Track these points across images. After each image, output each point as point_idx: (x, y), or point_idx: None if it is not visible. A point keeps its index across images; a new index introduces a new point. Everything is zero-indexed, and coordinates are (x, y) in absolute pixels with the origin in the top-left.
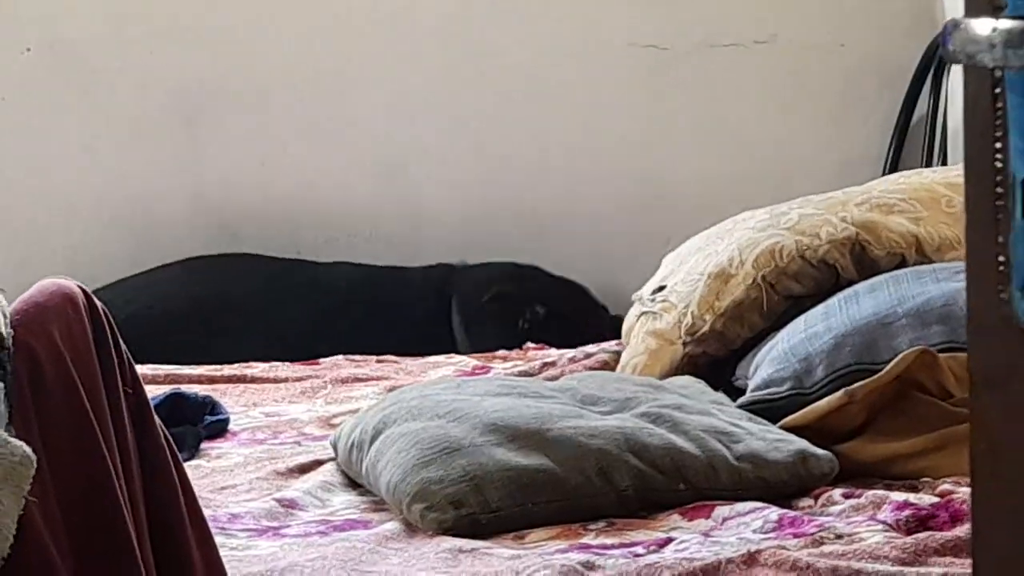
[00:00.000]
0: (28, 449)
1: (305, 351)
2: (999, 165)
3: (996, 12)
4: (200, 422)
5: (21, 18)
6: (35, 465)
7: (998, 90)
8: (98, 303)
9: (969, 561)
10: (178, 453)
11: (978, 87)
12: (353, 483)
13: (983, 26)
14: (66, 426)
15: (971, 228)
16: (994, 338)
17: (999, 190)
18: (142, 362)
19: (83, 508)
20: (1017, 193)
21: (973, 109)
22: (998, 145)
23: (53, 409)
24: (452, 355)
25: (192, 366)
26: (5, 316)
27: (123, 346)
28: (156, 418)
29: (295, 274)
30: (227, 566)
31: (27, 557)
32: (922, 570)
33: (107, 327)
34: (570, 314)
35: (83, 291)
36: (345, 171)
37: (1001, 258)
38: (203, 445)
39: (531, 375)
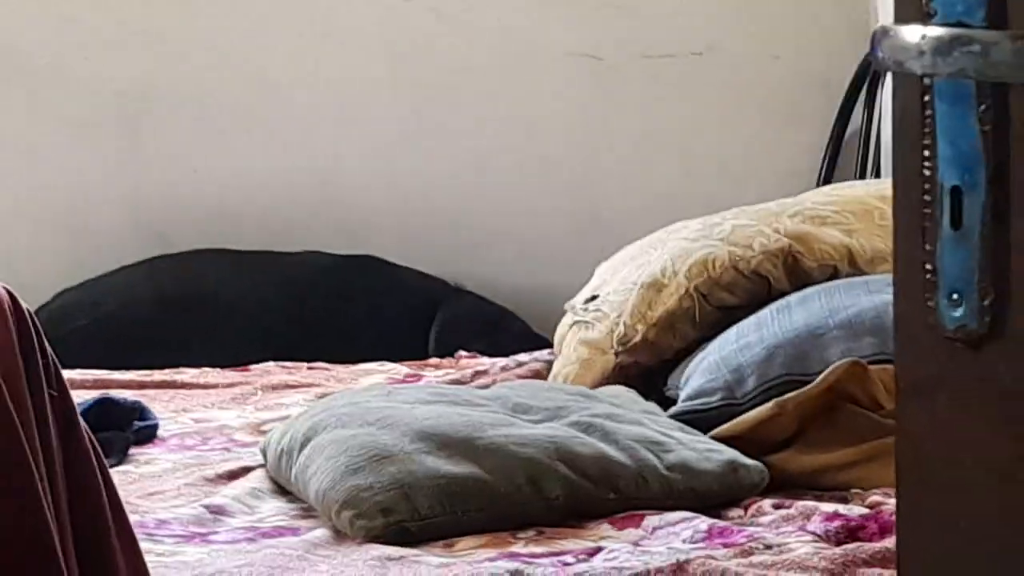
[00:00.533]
0: None
1: (281, 340)
2: (927, 173)
3: (925, 19)
4: (129, 427)
5: None
6: None
7: (927, 98)
8: (23, 304)
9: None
10: (104, 458)
11: (907, 95)
12: (282, 490)
13: (912, 33)
14: None
15: (899, 236)
16: (921, 347)
17: (927, 198)
18: (116, 364)
19: (5, 512)
20: (945, 202)
21: (902, 117)
22: (926, 153)
23: None
24: (384, 362)
25: (155, 370)
26: None
27: (48, 349)
28: (82, 422)
29: (264, 264)
30: (153, 572)
31: None
32: None
33: (32, 329)
34: None
35: (8, 292)
36: (281, 176)
37: (928, 266)
38: (132, 451)
39: (463, 383)
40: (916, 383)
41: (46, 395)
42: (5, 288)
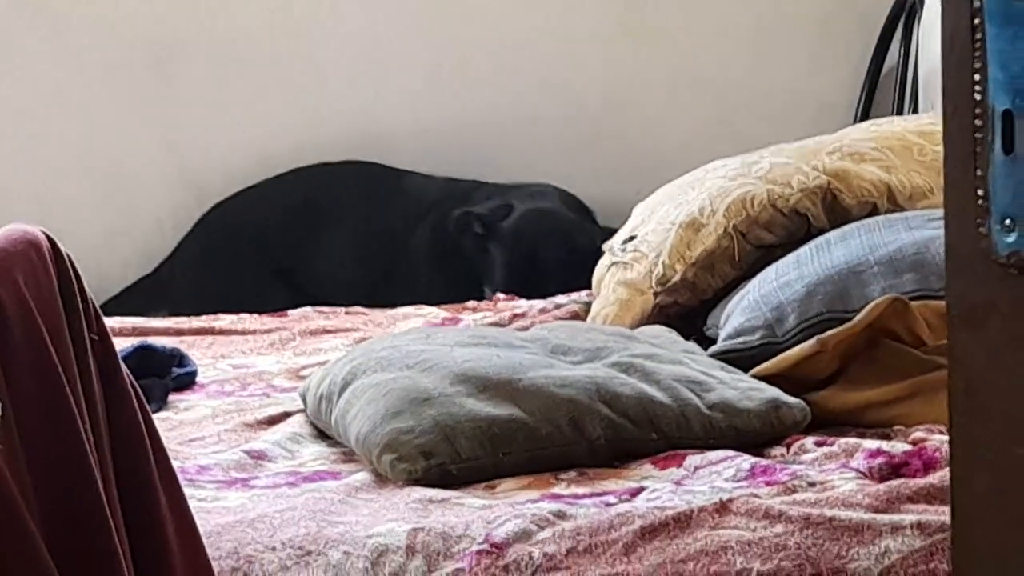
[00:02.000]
0: None
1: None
2: (978, 97)
3: None
4: (168, 374)
5: None
6: (1, 414)
7: (977, 20)
8: (63, 249)
9: (943, 508)
10: (146, 403)
11: (957, 18)
12: (322, 434)
13: None
14: (32, 375)
15: (949, 162)
16: (973, 274)
17: (978, 123)
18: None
19: (50, 459)
20: (996, 126)
21: (951, 41)
22: (977, 77)
23: (18, 359)
24: (421, 306)
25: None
26: None
27: (89, 294)
28: (124, 368)
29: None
30: (195, 518)
31: None
32: (895, 517)
33: (72, 275)
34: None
35: (48, 237)
36: (314, 124)
37: (980, 192)
38: (171, 397)
39: (501, 325)
40: (968, 311)
41: (87, 341)
42: (44, 233)
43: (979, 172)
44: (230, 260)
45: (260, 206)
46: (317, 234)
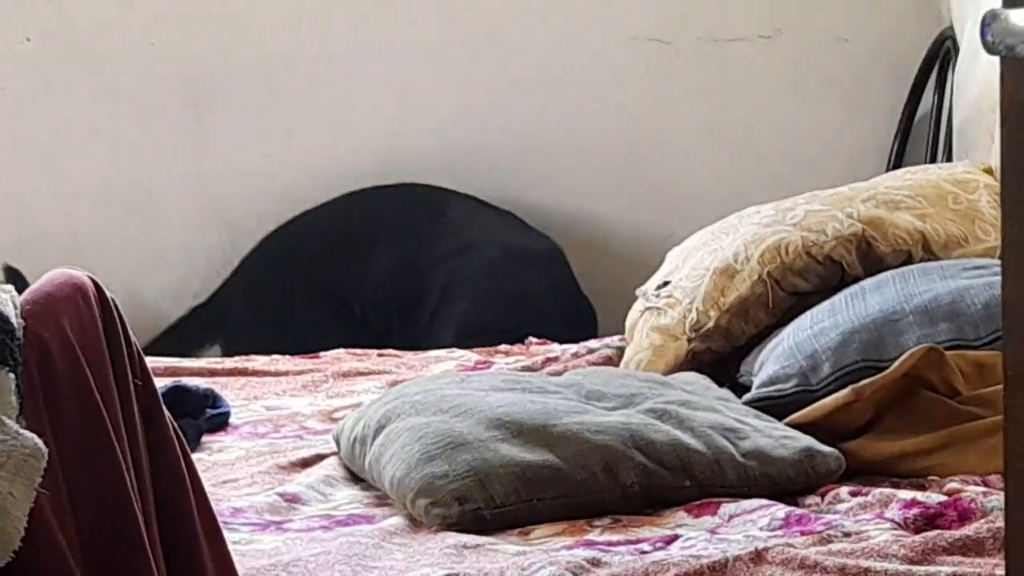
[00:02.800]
0: (39, 441)
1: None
2: None
3: None
4: (201, 415)
5: (24, 3)
6: (46, 458)
7: None
8: (108, 293)
9: (979, 560)
10: (187, 445)
11: (1016, 80)
12: (356, 478)
13: (1023, 17)
14: (76, 418)
15: (1007, 222)
16: None
17: None
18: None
19: (93, 501)
20: None
21: (1011, 102)
22: None
23: (64, 401)
24: (454, 349)
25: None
26: (16, 307)
27: (132, 337)
28: (165, 410)
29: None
30: None
31: (38, 550)
32: (931, 569)
33: (116, 317)
34: None
35: (93, 281)
36: (349, 161)
37: None
38: (204, 438)
39: (533, 370)
40: None
41: (131, 384)
42: (90, 277)
43: None
44: (284, 287)
45: (312, 231)
46: (367, 259)
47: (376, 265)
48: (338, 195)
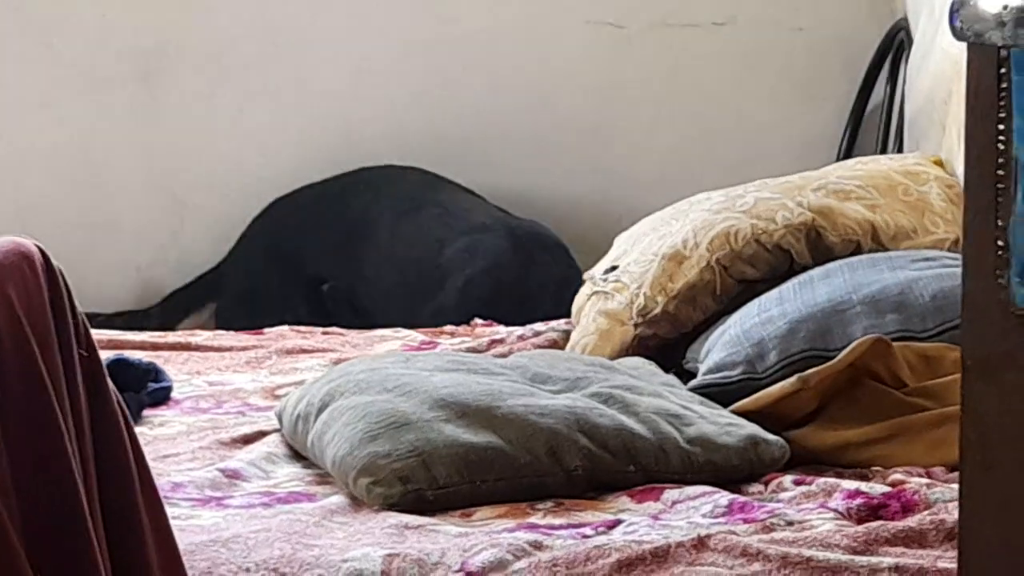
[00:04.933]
0: None
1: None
2: (1001, 147)
3: None
4: (143, 389)
5: None
6: None
7: (1003, 70)
8: (54, 262)
9: (921, 551)
10: (130, 419)
11: (982, 66)
12: (298, 455)
13: (992, 4)
14: (20, 387)
15: (970, 211)
16: (990, 324)
17: (1000, 173)
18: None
19: (35, 472)
20: (1019, 177)
21: (976, 89)
22: (1001, 127)
23: (7, 369)
24: (399, 329)
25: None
26: None
27: (78, 307)
28: (110, 382)
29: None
30: None
31: None
32: (873, 559)
33: (63, 287)
34: None
35: (40, 250)
36: (299, 138)
37: (1000, 243)
38: (145, 412)
39: (479, 351)
40: (983, 361)
41: (76, 355)
42: (37, 246)
43: (1000, 223)
44: (275, 264)
45: (306, 210)
46: (356, 244)
47: (373, 249)
48: (292, 173)
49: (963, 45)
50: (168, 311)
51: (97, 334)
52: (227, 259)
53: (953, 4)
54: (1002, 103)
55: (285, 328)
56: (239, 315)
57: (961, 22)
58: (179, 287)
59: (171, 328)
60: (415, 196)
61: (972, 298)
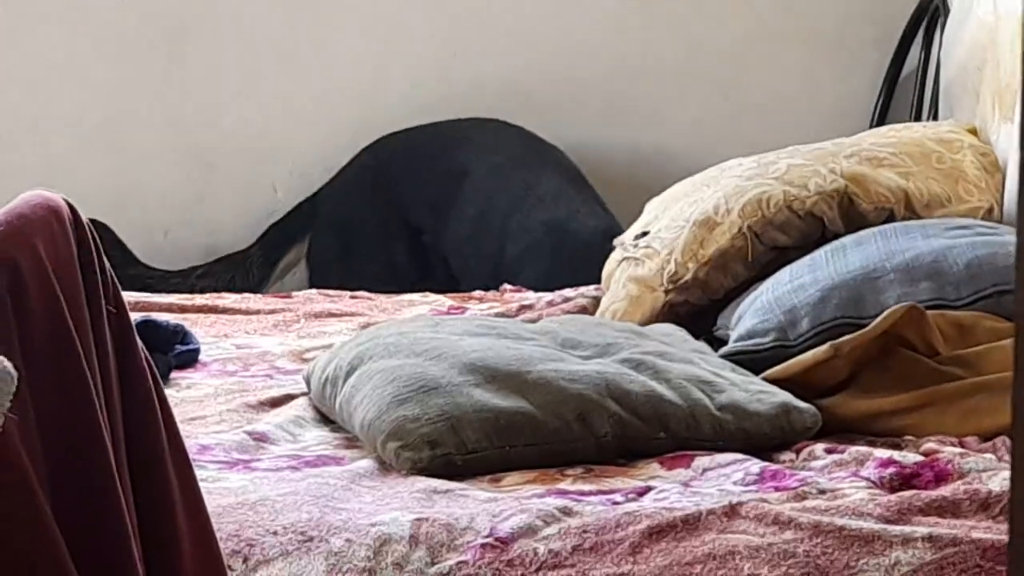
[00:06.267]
0: (9, 365)
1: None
2: None
3: None
4: (171, 351)
5: None
6: (15, 382)
7: None
8: (83, 217)
9: (955, 521)
10: (159, 377)
11: None
12: (325, 419)
13: None
14: (48, 343)
15: None
16: None
17: None
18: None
19: (62, 428)
20: None
21: None
22: None
23: (35, 326)
24: (427, 294)
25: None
26: None
27: (107, 264)
28: (138, 340)
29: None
30: None
31: (3, 476)
32: (907, 529)
33: (92, 243)
34: None
35: (68, 205)
36: (325, 101)
37: None
38: (173, 375)
39: (508, 317)
40: None
41: (104, 312)
42: (66, 200)
43: None
44: (376, 201)
45: (408, 152)
46: (451, 197)
47: (461, 207)
48: (317, 136)
49: (1006, 12)
50: (268, 246)
51: (125, 295)
52: (326, 187)
53: None
54: None
55: (313, 292)
56: (331, 247)
57: None
58: (274, 221)
59: (274, 266)
60: (509, 161)
61: None
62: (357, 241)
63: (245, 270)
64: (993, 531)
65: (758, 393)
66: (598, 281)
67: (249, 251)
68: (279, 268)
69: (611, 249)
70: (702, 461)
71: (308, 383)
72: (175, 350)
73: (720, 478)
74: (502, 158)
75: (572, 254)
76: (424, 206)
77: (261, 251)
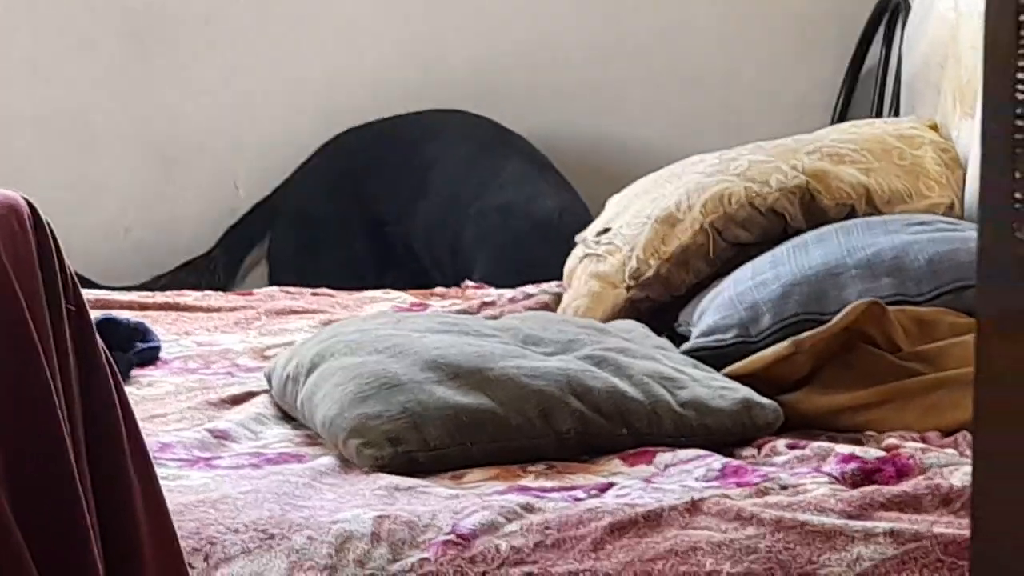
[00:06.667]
0: None
1: None
2: (1019, 97)
3: None
4: (131, 348)
5: None
6: None
7: (1022, 18)
8: (44, 217)
9: (916, 516)
10: (119, 376)
11: (999, 15)
12: (287, 416)
13: None
14: (6, 341)
15: (986, 164)
16: (1006, 280)
17: (1018, 123)
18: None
19: (22, 428)
20: None
21: (993, 38)
22: (1019, 76)
23: None
24: (389, 291)
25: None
26: None
27: (67, 262)
28: (98, 338)
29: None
30: None
31: None
32: (868, 524)
33: (51, 241)
34: None
35: (28, 203)
36: (288, 99)
37: (1017, 195)
38: (133, 372)
39: (470, 313)
40: (1000, 317)
41: (64, 310)
42: (25, 199)
43: (1017, 175)
44: (336, 195)
45: (371, 145)
46: (416, 189)
47: (427, 197)
48: (281, 134)
49: (967, 9)
50: (230, 247)
51: (85, 293)
52: (284, 185)
53: None
54: (1020, 52)
55: (275, 289)
56: (291, 243)
57: None
58: (233, 223)
59: (238, 267)
60: (475, 151)
61: (988, 253)
62: (317, 236)
63: (210, 273)
64: (955, 526)
65: (720, 389)
66: (554, 261)
67: (211, 254)
68: (243, 268)
69: (568, 226)
70: (664, 457)
71: (269, 380)
72: (135, 348)
73: (682, 474)
74: (467, 148)
75: (524, 234)
76: (389, 198)
77: (224, 252)
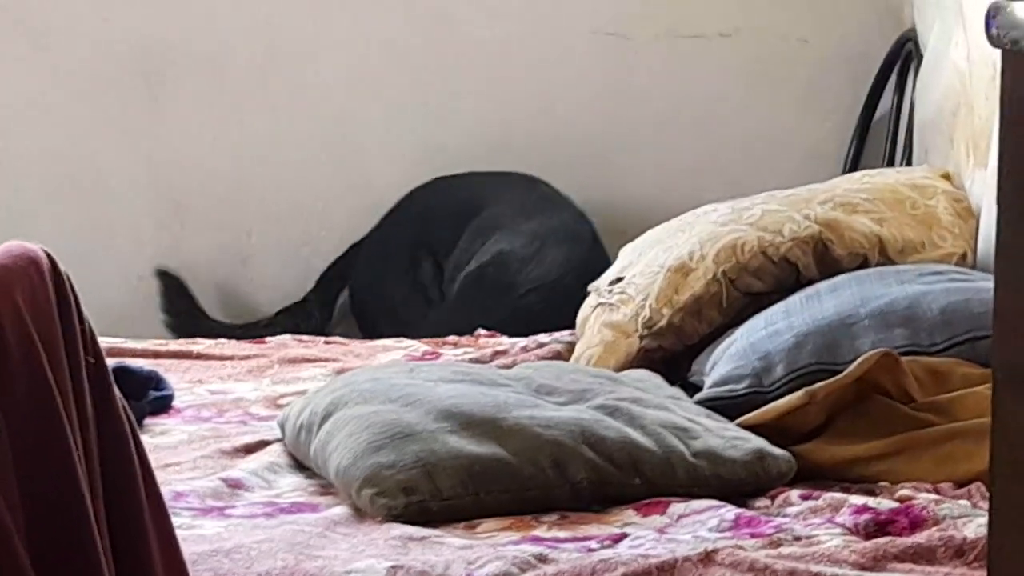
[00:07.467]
0: None
1: None
2: None
3: None
4: (144, 397)
5: None
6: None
7: None
8: (63, 269)
9: (930, 568)
10: (136, 427)
11: (1018, 73)
12: (300, 465)
13: None
14: (26, 394)
15: (1003, 221)
16: (1021, 336)
17: None
18: None
19: (41, 479)
20: None
21: (1011, 96)
22: None
23: (13, 374)
24: (402, 339)
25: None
26: None
27: (85, 314)
28: (116, 389)
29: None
30: None
31: None
32: (882, 575)
33: (70, 294)
34: None
35: (47, 256)
36: (300, 144)
37: None
38: (147, 421)
39: (482, 362)
40: (1015, 373)
41: (82, 361)
42: (45, 251)
43: None
44: (405, 236)
45: (443, 207)
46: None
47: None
48: (293, 179)
49: (980, 58)
50: (322, 291)
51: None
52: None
53: (989, 10)
54: None
55: (287, 337)
56: (367, 274)
57: (997, 28)
58: (326, 267)
59: (332, 307)
60: (522, 214)
61: (1004, 310)
62: (389, 265)
63: (306, 316)
64: None
65: (733, 439)
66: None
67: (306, 298)
68: (336, 309)
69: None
70: (677, 507)
71: (283, 429)
72: (149, 396)
73: (695, 524)
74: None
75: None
76: (448, 246)
77: (317, 296)
